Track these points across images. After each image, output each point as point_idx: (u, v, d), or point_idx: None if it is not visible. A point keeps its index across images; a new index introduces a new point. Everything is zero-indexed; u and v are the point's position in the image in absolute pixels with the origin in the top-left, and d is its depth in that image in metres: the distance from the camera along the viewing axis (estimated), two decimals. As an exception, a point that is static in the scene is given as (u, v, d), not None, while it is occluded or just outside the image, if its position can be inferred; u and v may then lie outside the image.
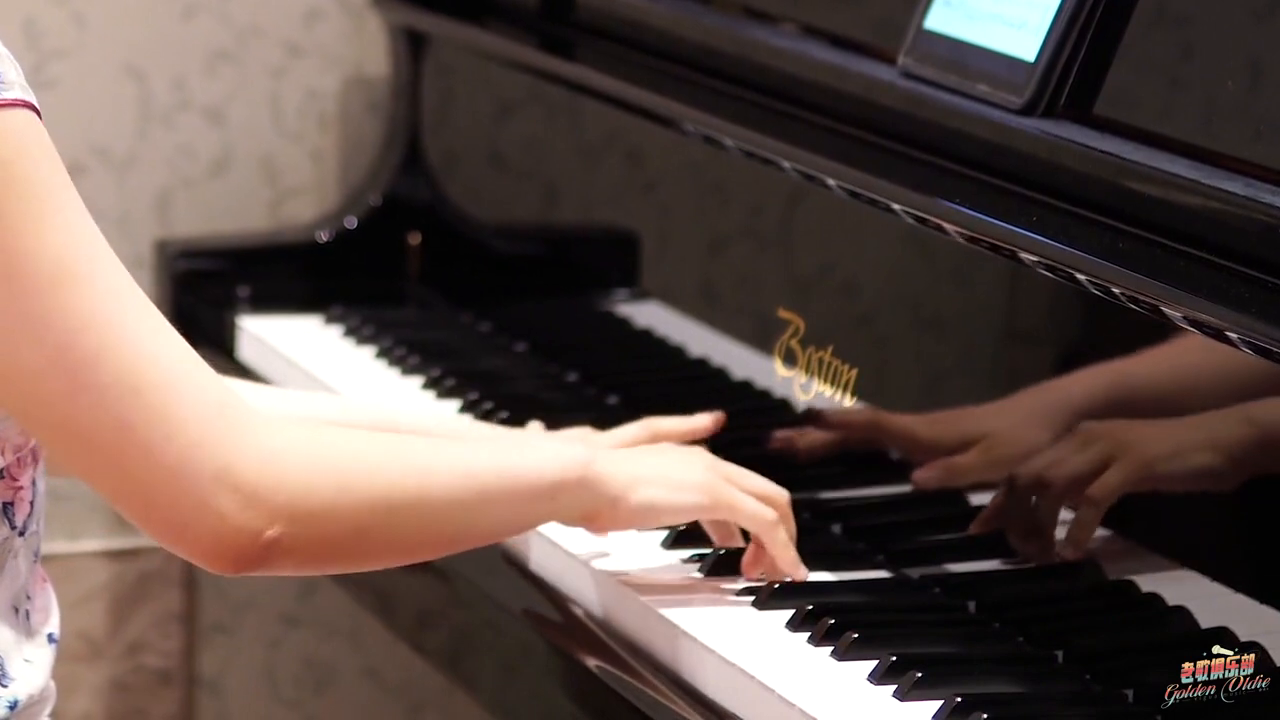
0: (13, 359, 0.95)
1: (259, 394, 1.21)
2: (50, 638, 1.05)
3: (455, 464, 1.05)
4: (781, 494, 1.16)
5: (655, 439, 1.26)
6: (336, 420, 1.19)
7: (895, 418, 1.24)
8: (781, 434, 1.29)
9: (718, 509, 1.14)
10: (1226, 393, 1.06)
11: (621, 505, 1.11)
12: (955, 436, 1.19)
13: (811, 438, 1.28)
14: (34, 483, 1.03)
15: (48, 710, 1.05)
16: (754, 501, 1.14)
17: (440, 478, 1.04)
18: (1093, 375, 1.13)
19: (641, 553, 1.21)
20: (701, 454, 1.17)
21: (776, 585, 1.15)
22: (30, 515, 1.03)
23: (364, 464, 1.01)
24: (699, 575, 1.19)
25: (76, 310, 0.94)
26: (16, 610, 1.03)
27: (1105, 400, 1.11)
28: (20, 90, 0.95)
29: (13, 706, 1.02)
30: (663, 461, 1.14)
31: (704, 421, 1.29)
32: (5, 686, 1.02)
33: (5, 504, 1.02)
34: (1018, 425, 1.14)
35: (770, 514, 1.14)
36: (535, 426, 1.31)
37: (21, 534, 1.03)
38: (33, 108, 0.96)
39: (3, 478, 1.02)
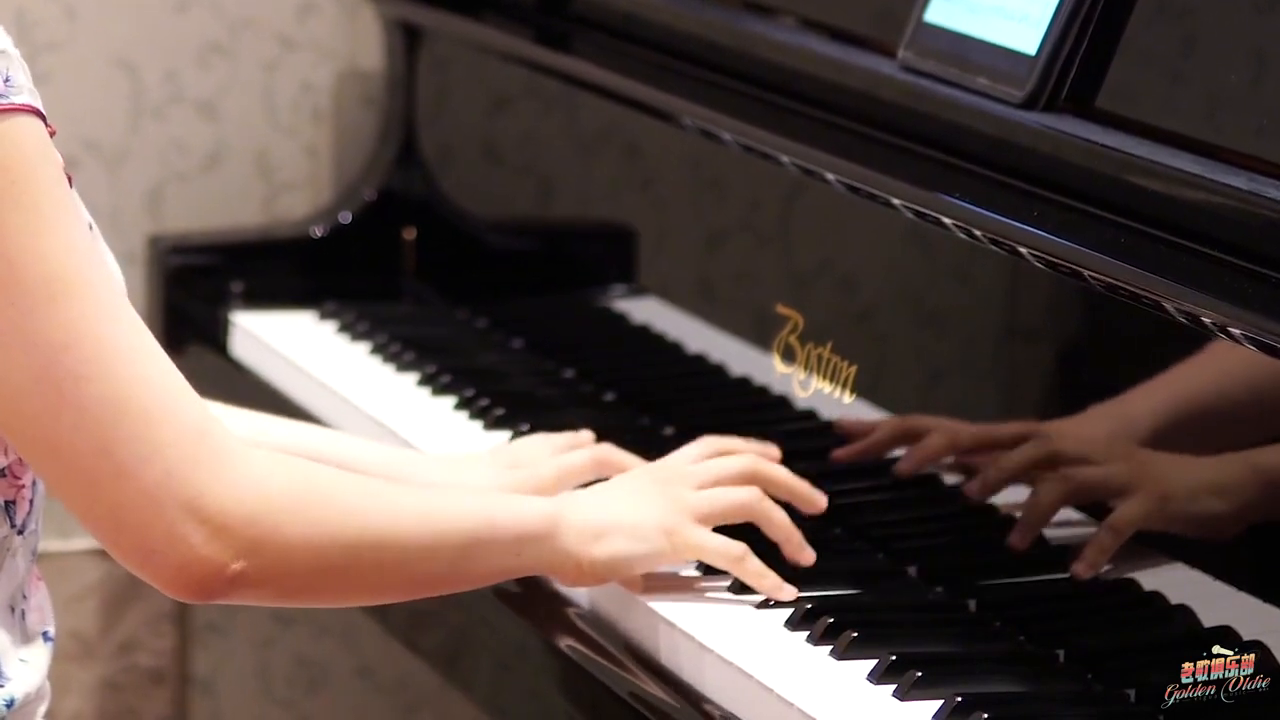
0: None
1: (229, 416, 1.21)
2: (46, 636, 1.05)
3: (424, 509, 1.05)
4: (750, 500, 1.14)
5: (601, 469, 1.23)
6: (291, 449, 1.18)
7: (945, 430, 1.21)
8: (779, 434, 1.28)
9: (683, 553, 1.14)
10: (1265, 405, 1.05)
11: (586, 565, 1.11)
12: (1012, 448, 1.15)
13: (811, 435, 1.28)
14: (34, 482, 1.03)
15: (43, 709, 1.05)
16: (716, 540, 1.12)
17: (408, 522, 1.04)
18: (1152, 393, 1.10)
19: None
20: (655, 484, 1.14)
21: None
22: (30, 514, 1.03)
23: (336, 503, 1.01)
24: (697, 573, 1.18)
25: (65, 325, 0.94)
26: (13, 610, 1.03)
27: (1168, 419, 1.10)
28: (28, 95, 0.95)
29: (9, 705, 1.02)
30: (620, 507, 1.12)
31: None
32: (1, 686, 1.02)
33: (7, 502, 1.02)
34: (1083, 444, 1.12)
35: (735, 549, 1.13)
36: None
37: (20, 533, 1.02)
38: (39, 114, 0.95)
39: (4, 476, 1.01)
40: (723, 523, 1.14)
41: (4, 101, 0.93)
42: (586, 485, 1.21)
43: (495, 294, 1.60)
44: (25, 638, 1.04)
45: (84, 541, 1.75)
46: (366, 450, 1.24)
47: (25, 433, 0.96)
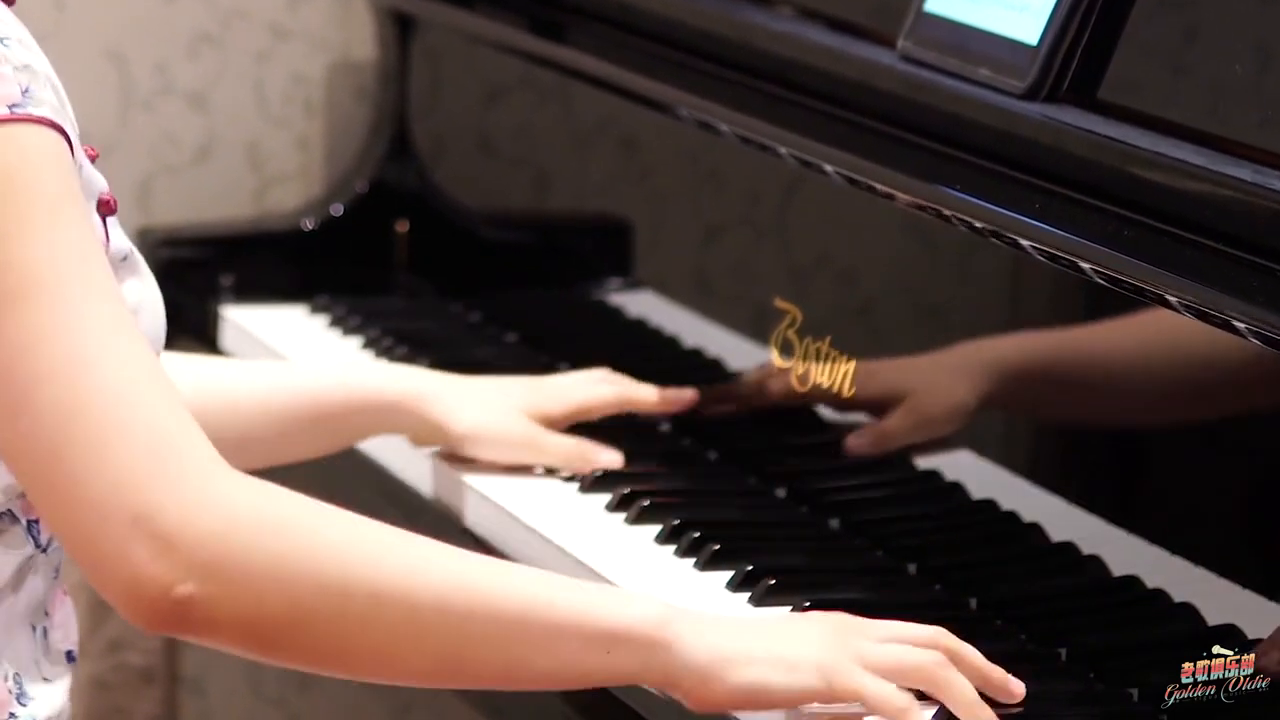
0: None
1: (183, 364, 1.19)
2: (69, 656, 1.03)
3: (462, 570, 0.93)
4: (933, 663, 0.97)
5: (624, 406, 1.25)
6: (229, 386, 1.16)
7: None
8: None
9: (840, 694, 0.97)
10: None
11: (716, 684, 0.96)
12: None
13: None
14: None
15: None
16: (879, 688, 0.97)
17: (428, 579, 0.92)
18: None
19: (637, 550, 1.20)
20: (829, 627, 0.99)
21: (772, 583, 1.13)
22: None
23: (319, 540, 0.92)
24: (696, 571, 1.17)
25: (30, 326, 0.93)
26: (34, 628, 1.02)
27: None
28: (50, 111, 0.95)
29: None
30: (774, 636, 0.98)
31: (684, 395, 1.28)
32: (24, 705, 1.00)
33: (30, 521, 1.01)
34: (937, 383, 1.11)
35: (901, 700, 0.96)
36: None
37: (44, 550, 1.02)
38: (61, 131, 0.95)
39: (26, 497, 1.00)
40: (897, 681, 0.98)
41: (19, 111, 0.94)
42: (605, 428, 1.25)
43: (489, 288, 1.59)
44: (49, 656, 1.02)
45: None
46: (382, 378, 1.21)
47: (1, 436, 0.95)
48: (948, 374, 1.15)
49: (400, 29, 1.66)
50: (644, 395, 1.30)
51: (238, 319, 1.58)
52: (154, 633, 0.94)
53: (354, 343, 1.53)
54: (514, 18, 1.54)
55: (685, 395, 1.31)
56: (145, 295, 1.02)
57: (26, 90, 0.95)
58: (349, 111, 1.76)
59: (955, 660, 1.00)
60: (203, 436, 0.94)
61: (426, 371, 1.29)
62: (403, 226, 1.65)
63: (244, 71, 1.74)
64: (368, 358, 1.50)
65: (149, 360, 0.95)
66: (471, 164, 1.63)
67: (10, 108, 0.94)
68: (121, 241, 1.02)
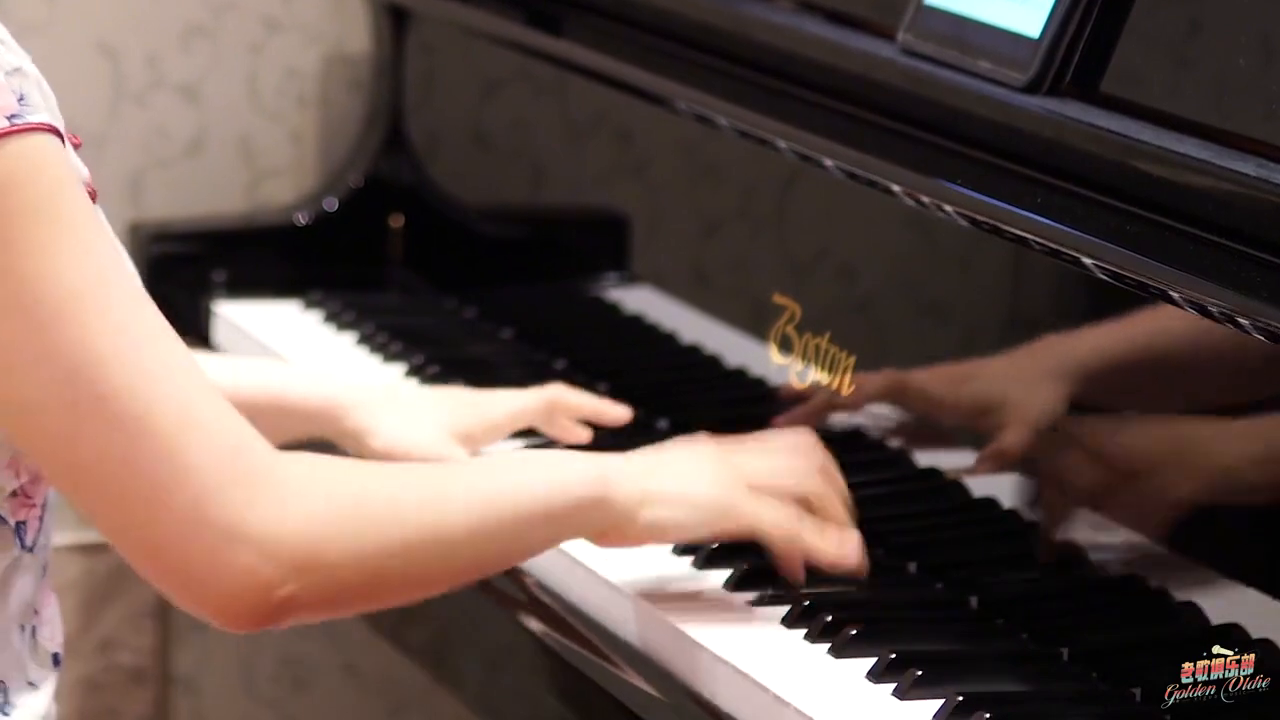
0: (18, 390, 0.93)
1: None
2: (55, 659, 1.03)
3: (471, 492, 1.02)
4: (814, 468, 1.11)
5: (553, 410, 1.27)
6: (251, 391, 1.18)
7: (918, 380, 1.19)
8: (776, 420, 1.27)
9: (736, 530, 1.10)
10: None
11: (628, 526, 1.08)
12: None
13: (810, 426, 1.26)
14: (45, 502, 1.02)
15: None
16: (773, 513, 1.09)
17: (456, 508, 1.01)
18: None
19: (635, 549, 1.19)
20: (715, 454, 1.11)
21: (771, 581, 1.13)
22: (40, 532, 1.02)
23: (379, 505, 0.98)
24: (692, 569, 1.17)
25: (83, 344, 0.92)
26: (23, 628, 1.02)
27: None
28: (46, 114, 0.94)
29: None
30: (674, 472, 1.09)
31: (616, 412, 1.29)
32: (6, 715, 1.00)
33: (18, 523, 1.00)
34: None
35: (792, 525, 1.09)
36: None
37: (31, 550, 1.01)
38: (56, 133, 0.94)
39: (16, 497, 1.00)
40: (780, 494, 1.10)
41: (20, 121, 0.93)
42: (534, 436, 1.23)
43: (485, 283, 1.59)
44: (36, 658, 1.02)
45: (62, 537, 1.73)
46: (311, 383, 1.25)
47: (55, 456, 0.94)
48: (1038, 379, 1.13)
49: (395, 21, 1.65)
50: (575, 402, 1.29)
51: (230, 315, 1.57)
52: (248, 631, 0.97)
53: (348, 339, 1.52)
54: (510, 10, 1.54)
55: (618, 412, 1.30)
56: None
57: (22, 98, 0.94)
58: (343, 105, 1.75)
59: (820, 510, 1.11)
60: (256, 434, 0.96)
61: (358, 384, 1.30)
62: (397, 221, 1.65)
63: (236, 64, 1.74)
64: (362, 354, 1.49)
65: (193, 361, 0.95)
66: (467, 158, 1.63)
67: (9, 119, 0.93)
68: (109, 231, 1.01)
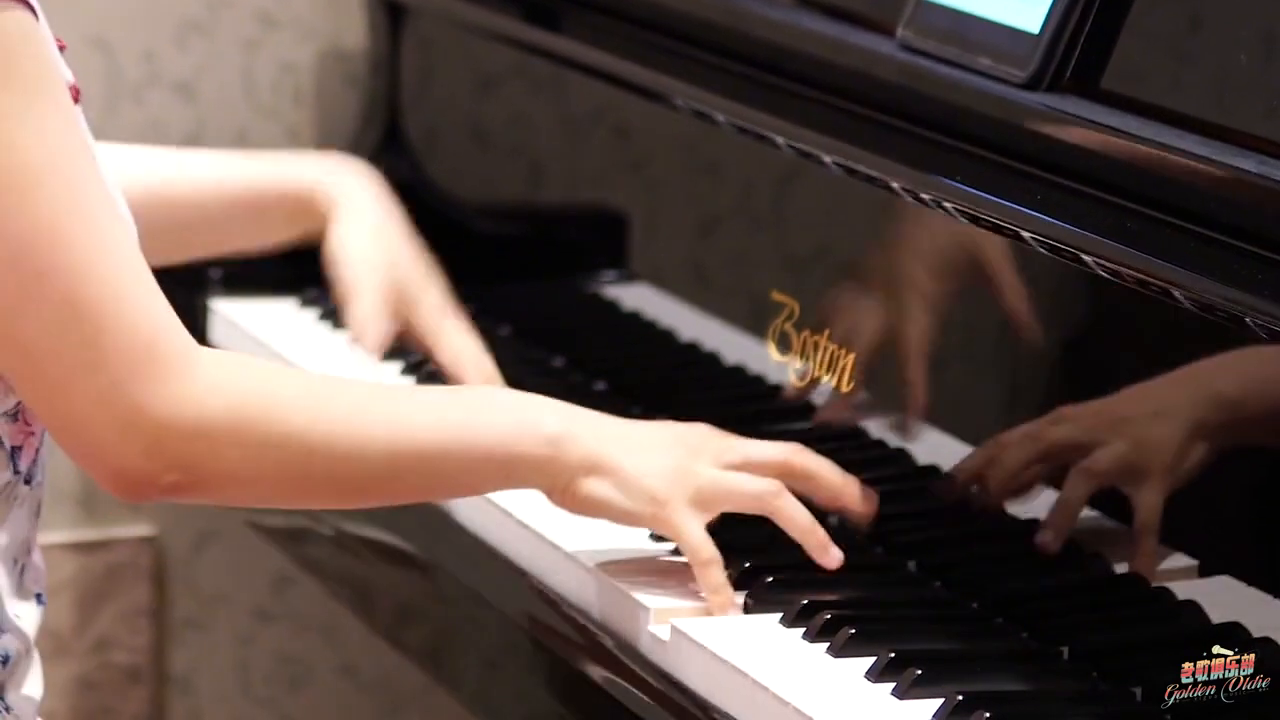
0: None
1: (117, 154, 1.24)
2: (40, 599, 1.06)
3: (399, 420, 1.04)
4: (764, 492, 1.09)
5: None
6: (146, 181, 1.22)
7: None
8: (780, 425, 1.26)
9: (660, 530, 1.11)
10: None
11: (570, 491, 1.08)
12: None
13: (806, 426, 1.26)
14: (43, 431, 1.04)
15: (35, 679, 1.05)
16: (695, 534, 1.08)
17: (372, 439, 1.03)
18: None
19: (631, 547, 1.18)
20: (676, 446, 1.10)
21: (770, 580, 1.12)
22: (35, 464, 1.04)
23: (288, 419, 1.01)
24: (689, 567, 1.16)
25: (34, 217, 0.94)
26: (15, 563, 1.04)
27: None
28: None
29: (4, 662, 1.02)
30: (633, 452, 1.09)
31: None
32: None
33: (14, 448, 1.02)
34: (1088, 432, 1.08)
35: (706, 552, 1.09)
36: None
37: (27, 482, 1.03)
38: (29, 7, 0.95)
39: (16, 421, 1.02)
40: (731, 510, 1.11)
41: None
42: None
43: (482, 280, 1.58)
44: (21, 594, 1.04)
45: (58, 535, 1.74)
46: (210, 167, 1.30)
47: None
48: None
49: (391, 17, 1.65)
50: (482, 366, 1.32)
51: (227, 312, 1.56)
52: (136, 503, 1.05)
53: (344, 336, 1.51)
54: (507, 5, 1.54)
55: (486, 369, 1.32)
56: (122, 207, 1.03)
57: None
58: (339, 101, 1.75)
59: (808, 479, 1.10)
60: (180, 326, 0.99)
61: (352, 181, 1.35)
62: (394, 218, 1.65)
63: (232, 60, 1.73)
64: (358, 352, 1.49)
65: (137, 251, 0.98)
66: (464, 154, 1.63)
67: None
68: (89, 136, 1.02)
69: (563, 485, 1.08)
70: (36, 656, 1.06)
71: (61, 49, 1.00)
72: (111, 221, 0.96)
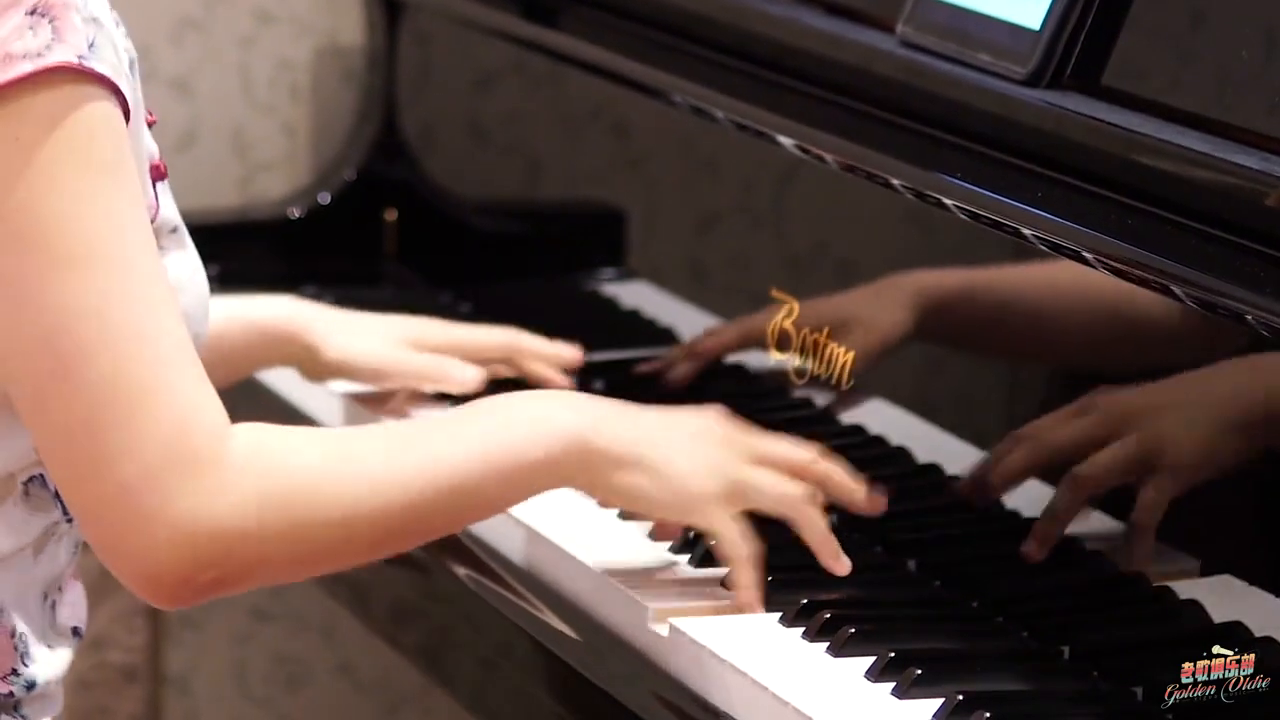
0: (10, 328, 0.94)
1: None
2: (76, 632, 1.05)
3: (425, 460, 1.02)
4: (797, 498, 1.08)
5: (514, 355, 1.29)
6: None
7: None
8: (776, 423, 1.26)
9: (697, 527, 1.10)
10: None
11: (603, 485, 1.07)
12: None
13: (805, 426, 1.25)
14: None
15: (58, 707, 1.05)
16: (735, 532, 1.08)
17: (407, 477, 1.01)
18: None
19: (631, 546, 1.18)
20: (712, 441, 1.09)
21: (770, 579, 1.12)
22: None
23: (321, 492, 0.99)
24: (690, 570, 1.16)
25: (78, 294, 0.93)
26: (45, 597, 1.03)
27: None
28: (109, 69, 0.95)
29: (30, 688, 1.02)
30: (663, 443, 1.07)
31: (569, 352, 1.31)
32: (27, 666, 1.02)
33: (58, 491, 1.01)
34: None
35: (745, 550, 1.08)
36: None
37: (70, 520, 1.02)
38: (115, 89, 0.95)
39: None
40: (760, 511, 1.09)
41: (81, 63, 0.94)
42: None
43: (480, 278, 1.58)
44: (54, 631, 1.04)
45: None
46: (268, 307, 1.29)
47: (26, 395, 0.96)
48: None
49: (388, 13, 1.65)
50: (533, 346, 1.31)
51: (223, 309, 1.56)
52: (168, 608, 1.00)
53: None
54: (505, 2, 1.54)
55: (572, 354, 1.32)
56: (188, 270, 1.03)
57: (93, 44, 0.94)
58: (336, 97, 1.75)
59: (824, 484, 1.11)
60: (215, 407, 0.96)
61: (314, 304, 1.33)
62: (391, 215, 1.64)
63: (228, 57, 1.73)
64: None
65: (186, 339, 0.96)
66: (461, 151, 1.62)
67: (79, 58, 0.93)
68: (171, 211, 1.03)
69: (595, 481, 1.07)
70: (60, 694, 1.05)
71: (151, 124, 1.00)
72: (164, 312, 0.95)
